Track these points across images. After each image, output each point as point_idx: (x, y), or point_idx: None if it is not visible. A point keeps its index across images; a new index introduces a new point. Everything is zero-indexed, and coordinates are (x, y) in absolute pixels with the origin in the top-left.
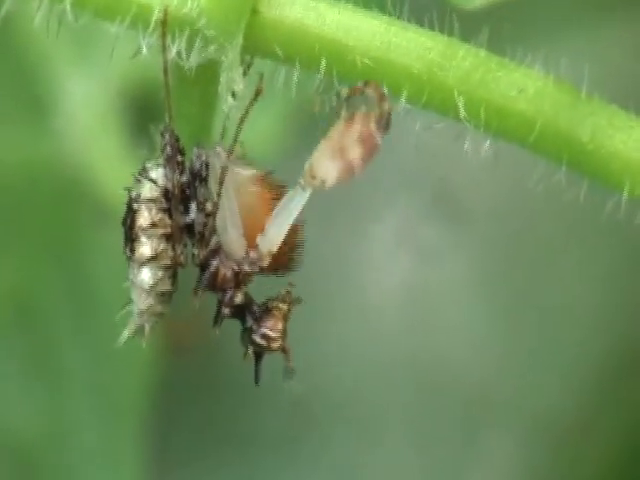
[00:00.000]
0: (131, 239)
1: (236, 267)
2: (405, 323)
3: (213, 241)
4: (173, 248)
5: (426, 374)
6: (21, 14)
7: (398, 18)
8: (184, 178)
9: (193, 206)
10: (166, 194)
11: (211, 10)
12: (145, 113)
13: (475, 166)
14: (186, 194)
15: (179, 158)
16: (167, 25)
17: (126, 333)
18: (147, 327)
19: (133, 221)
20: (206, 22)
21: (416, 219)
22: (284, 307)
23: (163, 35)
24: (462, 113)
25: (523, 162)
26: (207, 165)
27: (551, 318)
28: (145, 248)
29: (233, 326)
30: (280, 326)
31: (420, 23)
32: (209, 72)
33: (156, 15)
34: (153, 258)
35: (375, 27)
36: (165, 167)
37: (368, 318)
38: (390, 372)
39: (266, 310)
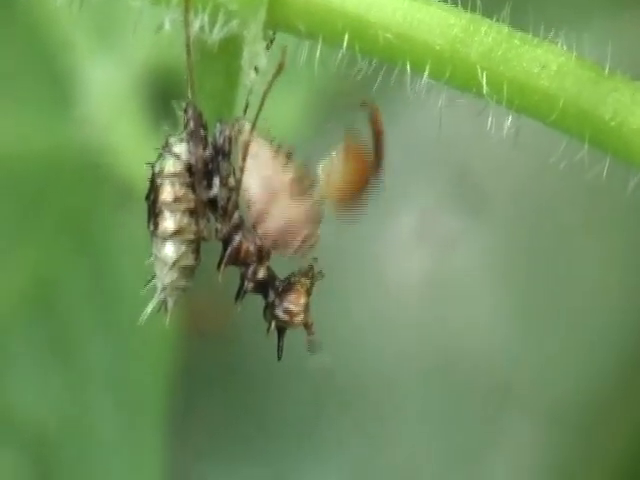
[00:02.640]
0: (154, 214)
1: (258, 241)
2: (425, 312)
3: (236, 216)
4: (196, 222)
5: (444, 366)
6: None
7: None
8: (207, 153)
9: (216, 181)
10: (189, 169)
11: None
12: (168, 95)
13: (496, 151)
14: (209, 169)
15: (202, 132)
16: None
17: (149, 308)
18: (170, 302)
19: (156, 196)
20: None
21: (436, 207)
22: (306, 281)
23: (186, 10)
24: (485, 89)
25: (544, 145)
26: (230, 140)
27: (572, 305)
28: (169, 222)
29: (256, 310)
30: (303, 300)
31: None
32: (232, 47)
33: None
34: (177, 232)
35: (397, 3)
36: (188, 142)
37: (388, 307)
38: (411, 361)
39: (288, 284)
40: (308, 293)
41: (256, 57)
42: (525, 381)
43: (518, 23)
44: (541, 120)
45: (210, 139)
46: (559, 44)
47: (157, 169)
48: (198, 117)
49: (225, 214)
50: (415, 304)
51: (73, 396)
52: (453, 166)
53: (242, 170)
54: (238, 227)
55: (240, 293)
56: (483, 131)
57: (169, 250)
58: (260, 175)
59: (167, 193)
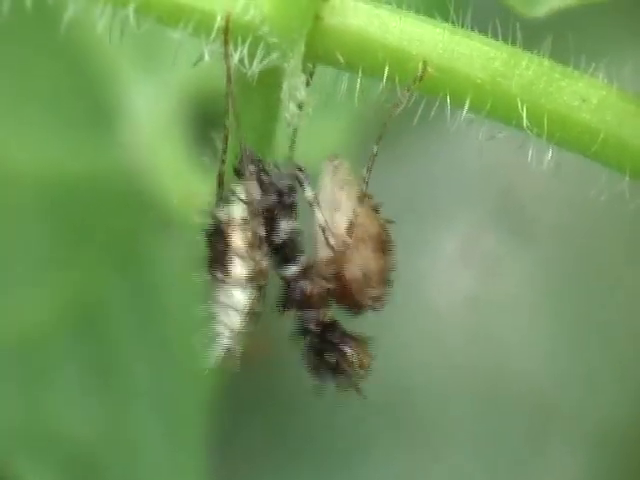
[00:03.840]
0: (223, 261)
1: (325, 284)
2: (468, 335)
3: (303, 258)
4: (265, 266)
5: (489, 386)
6: (84, 21)
7: (461, 26)
8: (274, 197)
9: (284, 224)
10: (256, 214)
11: (274, 17)
12: (208, 121)
13: (538, 178)
14: (276, 213)
15: (266, 178)
16: (229, 32)
17: (215, 354)
18: (237, 348)
19: (227, 243)
20: (269, 29)
21: (479, 231)
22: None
23: (226, 42)
24: (525, 122)
25: (586, 173)
26: (297, 182)
27: (613, 331)
28: (240, 269)
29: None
30: (363, 349)
31: (483, 31)
32: (271, 79)
33: (218, 22)
34: (249, 279)
35: (438, 35)
36: (254, 189)
37: (434, 327)
38: (453, 383)
39: (354, 332)
40: (367, 342)
41: (296, 90)
42: (569, 405)
43: (559, 55)
44: (582, 153)
45: (277, 182)
46: (600, 77)
47: (224, 217)
48: (259, 163)
49: (292, 256)
50: (460, 325)
51: (116, 417)
52: (495, 194)
53: (316, 208)
54: (306, 270)
55: (304, 334)
56: (524, 161)
57: (241, 297)
58: (349, 219)
59: (239, 240)
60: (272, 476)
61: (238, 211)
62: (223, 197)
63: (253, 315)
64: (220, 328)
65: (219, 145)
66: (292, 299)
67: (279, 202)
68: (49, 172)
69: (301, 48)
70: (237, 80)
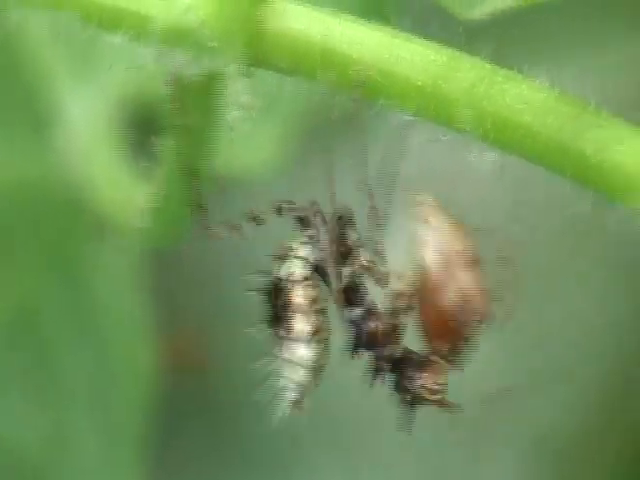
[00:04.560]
0: (284, 319)
1: (393, 321)
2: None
3: (369, 299)
4: (328, 319)
5: None
6: (20, 26)
7: (401, 30)
8: (334, 247)
9: (345, 269)
10: (318, 268)
11: (213, 21)
12: (145, 126)
13: (476, 181)
14: (336, 259)
15: (326, 231)
16: (169, 37)
17: (283, 408)
18: (305, 399)
19: (288, 300)
20: (208, 33)
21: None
22: (446, 365)
23: (165, 47)
24: (467, 126)
25: (528, 180)
26: (351, 226)
27: (553, 335)
28: (305, 326)
29: (236, 348)
30: (443, 379)
31: (423, 35)
32: (212, 83)
33: (156, 26)
34: (314, 334)
35: (379, 39)
36: (313, 243)
37: None
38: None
39: (428, 361)
40: (447, 371)
41: (237, 94)
42: (506, 411)
43: (501, 58)
44: (523, 156)
45: (334, 229)
46: (541, 80)
47: (284, 274)
48: (322, 217)
49: (356, 299)
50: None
51: (53, 421)
52: (434, 193)
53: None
54: (372, 310)
55: (376, 374)
56: (466, 165)
57: (307, 353)
58: (437, 252)
59: (301, 297)
60: None
61: (298, 268)
62: (280, 255)
63: (319, 368)
64: (285, 382)
65: (156, 149)
66: (360, 341)
67: (339, 249)
68: None
69: (241, 52)
70: (177, 85)
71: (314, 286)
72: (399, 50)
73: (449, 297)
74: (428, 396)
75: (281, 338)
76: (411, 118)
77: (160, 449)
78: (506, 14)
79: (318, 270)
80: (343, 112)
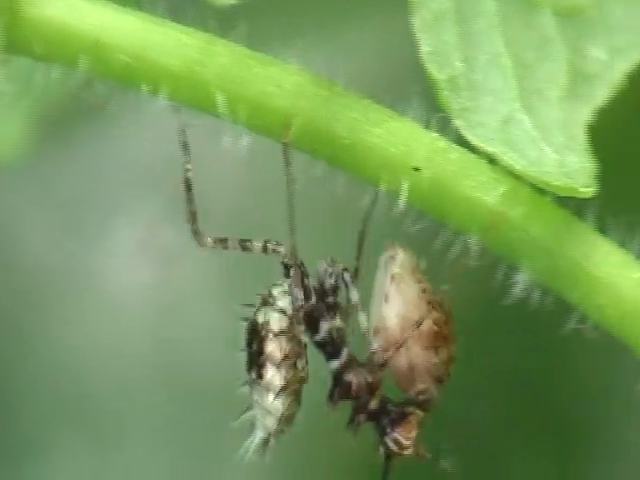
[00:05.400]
0: (258, 364)
1: (371, 376)
2: (149, 326)
3: (345, 352)
4: (302, 369)
5: (174, 377)
6: None
7: (155, 15)
8: (313, 300)
9: (325, 323)
10: (297, 321)
11: None
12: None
13: (225, 166)
14: (318, 313)
15: (306, 283)
16: None
17: (251, 446)
18: (273, 441)
19: (261, 348)
20: None
21: (160, 220)
22: (420, 413)
23: None
24: (221, 109)
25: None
26: (339, 280)
27: None
28: (275, 377)
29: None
30: (413, 434)
31: (178, 20)
32: None
33: None
34: (283, 386)
35: (132, 24)
36: (292, 294)
37: (111, 321)
38: (137, 375)
39: (402, 414)
40: (421, 426)
41: None
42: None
43: (254, 42)
44: (278, 139)
45: (321, 284)
46: (293, 63)
47: (261, 319)
48: (301, 268)
49: (334, 352)
50: (140, 316)
51: None
52: (174, 178)
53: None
54: (349, 363)
55: (353, 425)
56: (214, 150)
57: (276, 403)
58: (401, 313)
59: (274, 350)
60: None
61: (274, 318)
62: (262, 298)
63: (287, 417)
64: (257, 422)
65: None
66: (338, 392)
67: (322, 303)
68: None
69: None
70: None
71: (289, 339)
72: (152, 35)
73: (415, 354)
74: (400, 451)
75: (254, 381)
76: (165, 102)
77: None
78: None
79: (298, 320)
80: (95, 100)
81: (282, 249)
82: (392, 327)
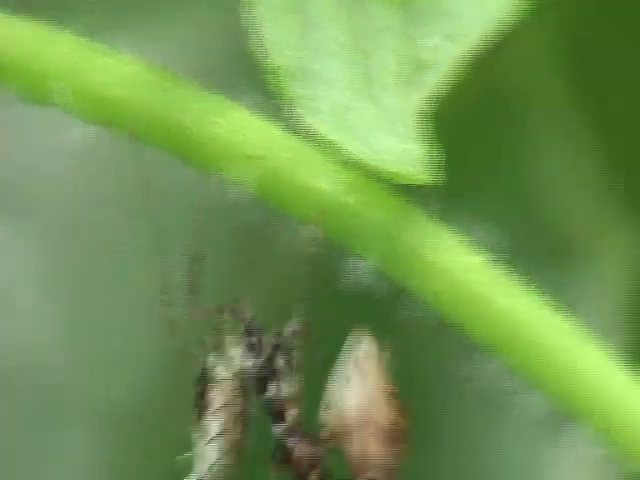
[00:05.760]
0: (198, 407)
1: (312, 448)
2: None
3: (290, 419)
4: (242, 424)
5: None
6: None
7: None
8: (262, 359)
9: (271, 387)
10: (242, 372)
11: None
12: None
13: (70, 157)
14: (264, 374)
15: (256, 340)
16: None
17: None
18: None
19: (203, 390)
20: None
21: None
22: None
23: None
24: (58, 100)
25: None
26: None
27: (120, 314)
28: (211, 423)
29: None
30: None
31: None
32: None
33: None
34: (218, 434)
35: None
36: (243, 348)
37: None
38: None
39: None
40: None
41: None
42: (76, 385)
43: (94, 32)
44: (119, 130)
45: (272, 341)
46: (128, 52)
47: (209, 363)
48: (254, 323)
49: (278, 415)
50: None
51: None
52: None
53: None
54: (293, 430)
55: None
56: (60, 141)
57: (210, 448)
58: (359, 401)
59: (214, 396)
60: None
61: (220, 366)
62: (215, 342)
63: (223, 465)
64: (196, 463)
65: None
66: (278, 457)
67: (268, 367)
68: None
69: None
70: None
71: (231, 390)
72: None
73: (368, 442)
74: None
75: (194, 421)
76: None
77: None
78: None
79: (245, 376)
80: None
81: (247, 312)
82: (348, 410)
